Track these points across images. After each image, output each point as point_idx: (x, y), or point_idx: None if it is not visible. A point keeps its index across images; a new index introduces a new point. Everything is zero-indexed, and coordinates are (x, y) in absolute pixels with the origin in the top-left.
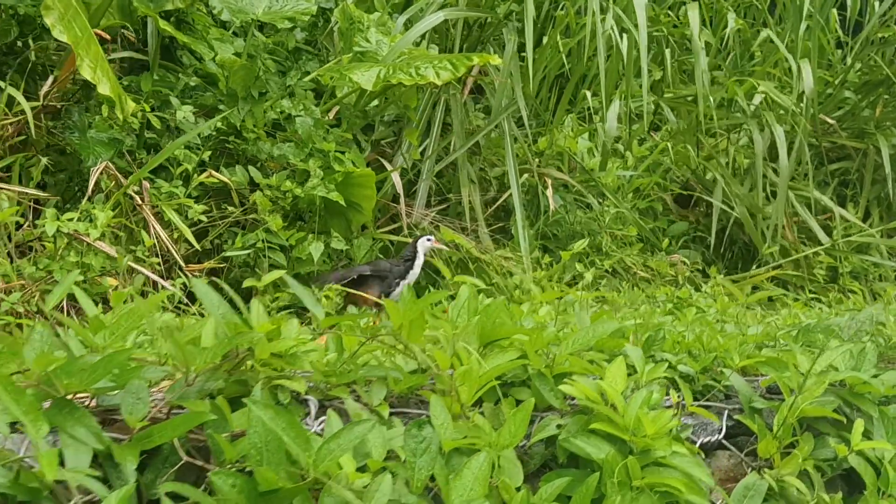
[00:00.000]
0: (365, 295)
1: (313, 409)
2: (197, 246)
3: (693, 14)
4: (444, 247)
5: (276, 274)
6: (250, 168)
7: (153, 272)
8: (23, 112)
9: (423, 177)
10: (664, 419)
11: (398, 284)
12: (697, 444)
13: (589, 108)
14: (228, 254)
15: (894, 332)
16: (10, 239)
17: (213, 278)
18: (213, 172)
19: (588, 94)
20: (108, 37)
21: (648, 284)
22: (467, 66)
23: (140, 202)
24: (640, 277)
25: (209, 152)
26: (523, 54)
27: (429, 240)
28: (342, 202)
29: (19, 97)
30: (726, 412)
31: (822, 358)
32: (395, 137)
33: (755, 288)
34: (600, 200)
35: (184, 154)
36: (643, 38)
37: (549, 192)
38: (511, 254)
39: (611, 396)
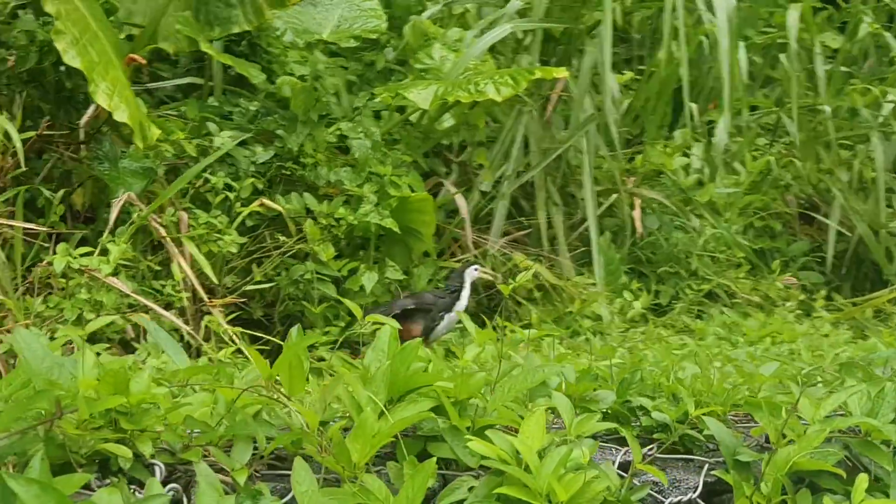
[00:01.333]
0: (408, 328)
1: (159, 475)
2: (215, 280)
3: (793, 15)
4: (490, 277)
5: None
6: (305, 195)
7: (174, 309)
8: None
9: (499, 201)
10: (580, 482)
11: (443, 318)
12: None
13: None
14: (250, 288)
15: None
16: (24, 278)
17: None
18: (266, 201)
19: (694, 107)
20: (143, 61)
21: (760, 310)
22: (528, 80)
23: (164, 234)
24: (748, 302)
25: (250, 180)
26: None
27: (475, 269)
28: (396, 229)
29: (11, 130)
30: (706, 467)
31: (830, 400)
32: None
33: (879, 312)
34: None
35: (223, 182)
36: (724, 45)
37: (637, 213)
38: (593, 280)
39: (525, 455)
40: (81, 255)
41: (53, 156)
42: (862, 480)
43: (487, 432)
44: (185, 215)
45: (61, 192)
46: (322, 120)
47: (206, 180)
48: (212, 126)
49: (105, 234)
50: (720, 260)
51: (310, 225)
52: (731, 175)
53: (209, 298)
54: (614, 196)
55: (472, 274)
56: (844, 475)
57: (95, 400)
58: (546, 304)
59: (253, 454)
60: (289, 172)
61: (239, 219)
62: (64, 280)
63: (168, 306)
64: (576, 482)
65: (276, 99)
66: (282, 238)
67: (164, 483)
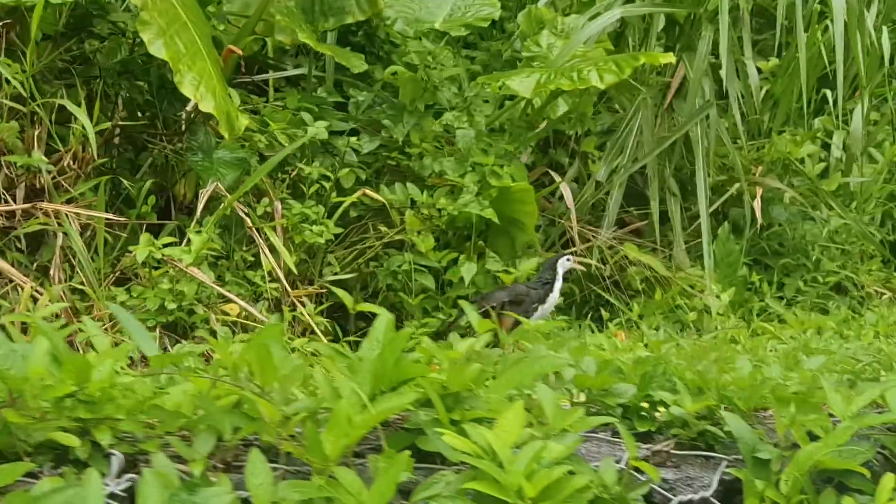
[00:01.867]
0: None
1: (115, 466)
2: (294, 270)
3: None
4: (582, 268)
5: None
6: (409, 185)
7: (262, 299)
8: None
9: (612, 192)
10: (551, 478)
11: (536, 309)
12: None
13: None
14: (330, 278)
15: None
16: (113, 268)
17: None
18: (368, 191)
19: (829, 93)
20: (240, 52)
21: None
22: (633, 66)
23: (250, 224)
24: (880, 295)
25: (346, 170)
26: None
27: (568, 259)
28: (496, 219)
29: (81, 116)
30: (724, 464)
31: (863, 396)
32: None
33: None
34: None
35: (318, 173)
36: (839, 26)
37: (757, 202)
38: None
39: (498, 449)
40: (165, 246)
41: (155, 147)
42: (889, 480)
43: (465, 425)
44: (279, 205)
45: (148, 182)
46: (430, 110)
47: (300, 171)
48: (306, 116)
49: (192, 225)
50: (850, 252)
51: (410, 215)
52: (872, 164)
53: (291, 290)
54: (736, 185)
55: (564, 264)
56: (869, 474)
57: (46, 388)
58: (653, 297)
59: (224, 445)
60: (394, 163)
61: (340, 209)
62: (148, 270)
63: (260, 297)
64: (547, 478)
65: (392, 90)
66: (383, 229)
67: (126, 472)
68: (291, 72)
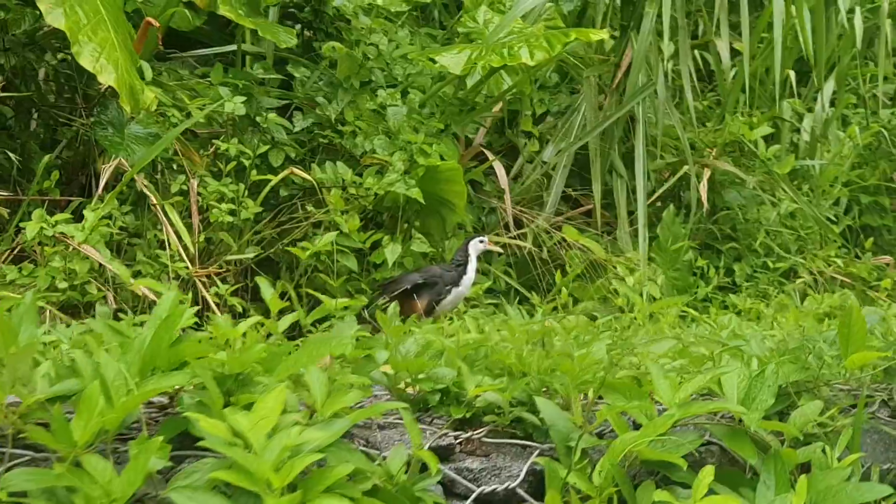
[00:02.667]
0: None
1: None
2: (192, 249)
3: None
4: (498, 249)
5: None
6: (339, 164)
7: (174, 279)
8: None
9: (555, 174)
10: (301, 467)
11: (449, 292)
12: (472, 498)
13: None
14: (231, 257)
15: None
16: (12, 243)
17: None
18: (296, 170)
19: (791, 74)
20: (157, 24)
21: (853, 290)
22: (564, 42)
23: (154, 201)
24: (841, 283)
25: (264, 147)
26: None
27: (482, 241)
28: (421, 199)
29: None
30: (535, 453)
31: (692, 383)
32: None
33: None
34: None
35: (235, 150)
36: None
37: (703, 185)
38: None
39: (250, 437)
40: (59, 223)
41: (75, 123)
42: (706, 474)
43: (227, 410)
44: (195, 183)
45: (46, 157)
46: (365, 87)
47: (217, 148)
48: (223, 90)
49: (94, 201)
50: (807, 238)
51: (334, 194)
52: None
53: (195, 269)
54: (685, 168)
55: (477, 246)
56: (685, 466)
57: None
58: (592, 282)
59: None
60: (327, 141)
61: (266, 188)
62: (41, 248)
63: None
64: (295, 468)
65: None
66: (310, 208)
67: None
68: (220, 48)
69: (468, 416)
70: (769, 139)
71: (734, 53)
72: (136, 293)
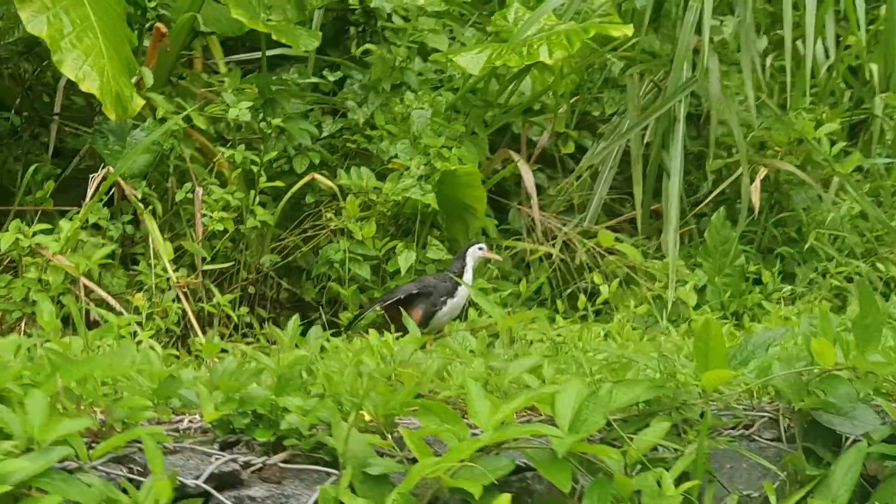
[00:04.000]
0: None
1: None
2: (166, 259)
3: None
4: (497, 257)
5: None
6: (363, 169)
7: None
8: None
9: (600, 175)
10: None
11: (444, 303)
12: None
13: None
14: (207, 267)
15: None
16: None
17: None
18: (318, 176)
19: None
20: (164, 29)
21: None
22: (582, 38)
23: (142, 210)
24: None
25: (271, 153)
26: None
27: (480, 248)
28: (435, 205)
29: None
30: (332, 479)
31: (512, 404)
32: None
33: None
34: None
35: (241, 156)
36: None
37: (756, 186)
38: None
39: None
40: (37, 234)
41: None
42: (501, 501)
43: None
44: (200, 191)
45: (35, 166)
46: (397, 90)
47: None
48: (227, 96)
49: (84, 211)
50: (873, 241)
51: (350, 201)
52: None
53: (177, 280)
54: (740, 171)
55: (475, 254)
56: (479, 493)
57: None
58: (633, 288)
59: None
60: (356, 146)
61: (287, 195)
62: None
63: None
64: None
65: None
66: (329, 216)
67: None
68: (245, 56)
69: (273, 439)
70: (855, 133)
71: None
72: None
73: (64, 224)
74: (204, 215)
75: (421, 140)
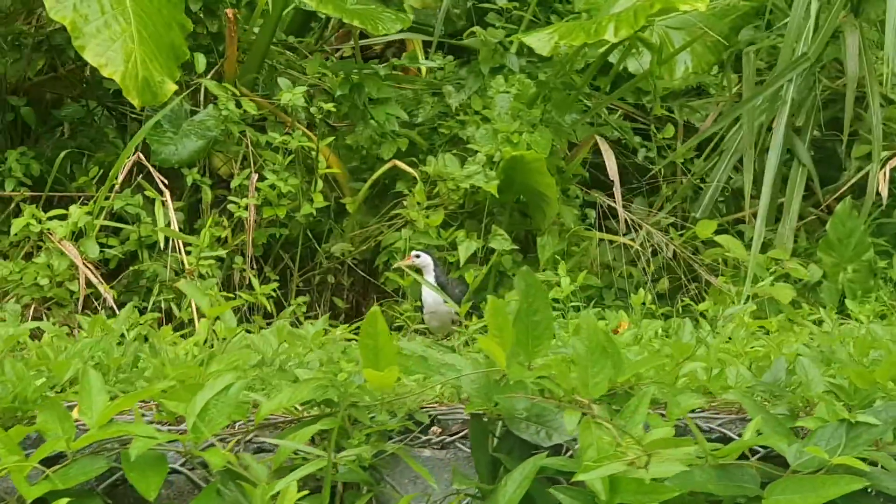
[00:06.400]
0: None
1: None
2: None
3: None
4: (403, 266)
5: None
6: (447, 156)
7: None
8: None
9: (717, 172)
10: None
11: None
12: None
13: None
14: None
15: None
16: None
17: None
18: (398, 163)
19: None
20: (231, 15)
21: None
22: (647, 14)
23: (164, 199)
24: None
25: (325, 140)
26: None
27: (416, 256)
28: (495, 193)
29: None
30: None
31: (124, 400)
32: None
33: None
34: None
35: (297, 143)
36: None
37: (883, 174)
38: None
39: None
40: (51, 219)
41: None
42: None
43: None
44: (255, 177)
45: (62, 153)
46: (497, 73)
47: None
48: (282, 81)
49: (111, 198)
50: None
51: (419, 188)
52: None
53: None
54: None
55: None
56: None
57: None
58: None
59: None
60: (448, 132)
61: (369, 182)
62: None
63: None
64: None
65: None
66: (406, 203)
67: None
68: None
69: None
70: None
71: None
72: None
73: (73, 209)
74: (231, 202)
75: (494, 125)
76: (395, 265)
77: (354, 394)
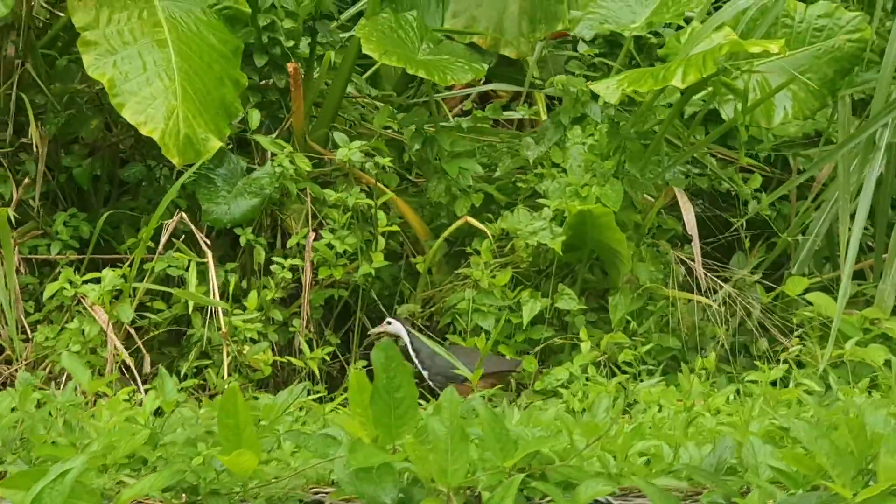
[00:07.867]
0: None
1: None
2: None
3: None
4: (377, 330)
5: None
6: (522, 211)
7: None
8: None
9: (815, 225)
10: None
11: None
12: None
13: None
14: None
15: None
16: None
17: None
18: (469, 219)
19: None
20: (291, 69)
21: None
22: (714, 58)
23: (209, 261)
24: None
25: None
26: None
27: (389, 323)
28: (559, 251)
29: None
30: None
31: None
32: None
33: None
34: None
35: (355, 199)
36: None
37: None
38: None
39: None
40: (87, 282)
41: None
42: None
43: None
44: (312, 236)
45: (101, 218)
46: (579, 123)
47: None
48: (338, 136)
49: (156, 259)
50: None
51: (486, 246)
52: None
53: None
54: None
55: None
56: None
57: None
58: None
59: None
60: (526, 186)
61: (440, 238)
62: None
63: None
64: None
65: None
66: (474, 260)
67: None
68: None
69: None
70: None
71: None
72: None
73: (106, 273)
74: (275, 264)
75: (565, 178)
76: (370, 332)
77: (215, 481)
